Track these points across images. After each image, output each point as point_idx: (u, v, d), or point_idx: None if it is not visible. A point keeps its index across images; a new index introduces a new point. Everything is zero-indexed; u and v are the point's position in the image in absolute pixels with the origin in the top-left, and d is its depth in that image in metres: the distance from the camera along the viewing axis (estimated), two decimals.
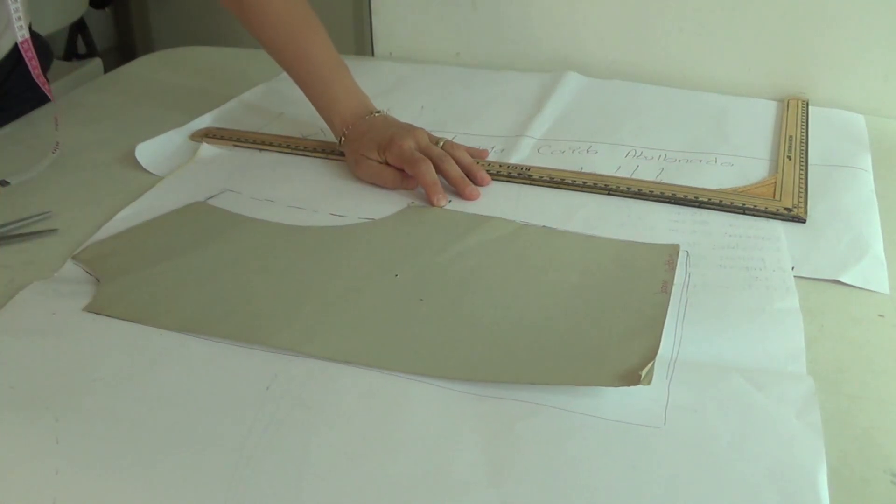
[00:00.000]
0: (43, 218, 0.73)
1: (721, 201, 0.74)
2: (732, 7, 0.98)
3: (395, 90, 1.02)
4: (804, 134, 0.88)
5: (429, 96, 1.00)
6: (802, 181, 0.77)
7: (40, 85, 0.84)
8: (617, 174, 0.80)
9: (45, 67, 1.00)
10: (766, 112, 0.95)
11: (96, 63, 1.76)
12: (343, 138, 0.82)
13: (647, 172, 0.80)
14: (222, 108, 0.96)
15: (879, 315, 0.60)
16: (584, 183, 0.77)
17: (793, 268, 0.65)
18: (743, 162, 0.82)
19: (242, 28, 0.85)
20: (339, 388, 0.53)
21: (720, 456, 0.48)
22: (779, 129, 0.90)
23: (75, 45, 1.96)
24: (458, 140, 0.88)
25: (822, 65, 0.97)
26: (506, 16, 1.09)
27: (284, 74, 1.07)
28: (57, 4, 1.70)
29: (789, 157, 0.82)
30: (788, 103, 0.96)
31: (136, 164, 0.83)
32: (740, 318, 0.59)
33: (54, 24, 1.70)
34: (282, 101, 1.00)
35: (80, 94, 1.05)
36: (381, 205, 0.75)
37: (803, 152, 0.83)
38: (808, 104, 0.95)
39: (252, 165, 0.84)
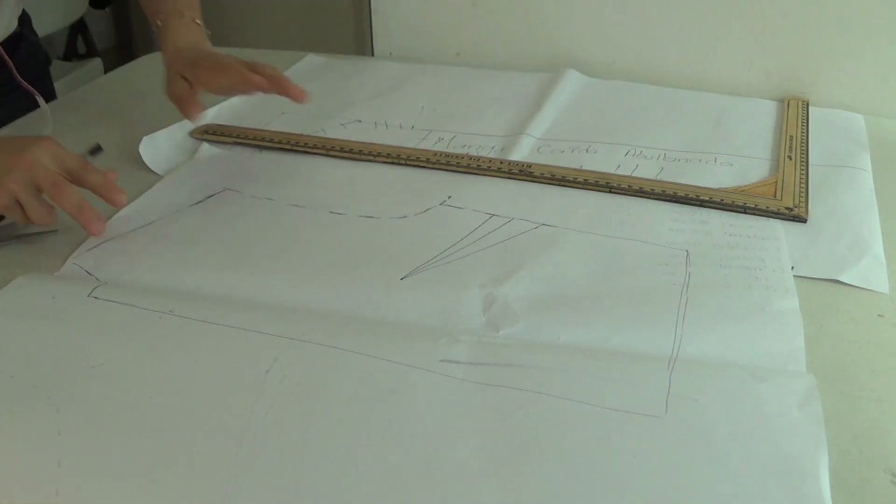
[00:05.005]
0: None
1: (722, 200, 0.74)
2: (732, 7, 0.98)
3: (395, 90, 1.02)
4: (805, 134, 0.88)
5: (429, 96, 1.00)
6: (803, 181, 0.77)
7: (23, 85, 0.84)
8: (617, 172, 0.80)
9: (41, 69, 1.00)
10: (765, 112, 0.94)
11: (96, 63, 1.76)
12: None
13: (646, 172, 0.80)
14: (222, 105, 0.96)
15: (879, 315, 0.60)
16: (586, 181, 0.77)
17: (792, 267, 0.65)
18: (742, 162, 0.82)
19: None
20: (338, 374, 0.53)
21: (721, 445, 0.48)
22: (779, 129, 0.90)
23: (75, 45, 1.96)
24: (459, 140, 0.88)
25: (822, 65, 0.97)
26: (506, 16, 1.09)
27: (286, 74, 1.07)
28: (57, 4, 1.70)
29: (790, 157, 0.82)
30: (789, 103, 0.96)
31: (136, 164, 0.83)
32: (740, 317, 0.59)
33: (54, 24, 1.71)
34: (283, 101, 0.99)
35: (80, 94, 1.05)
36: (382, 204, 0.75)
37: (804, 152, 0.83)
38: (808, 104, 0.95)
39: (253, 164, 0.84)
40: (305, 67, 1.11)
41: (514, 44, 1.10)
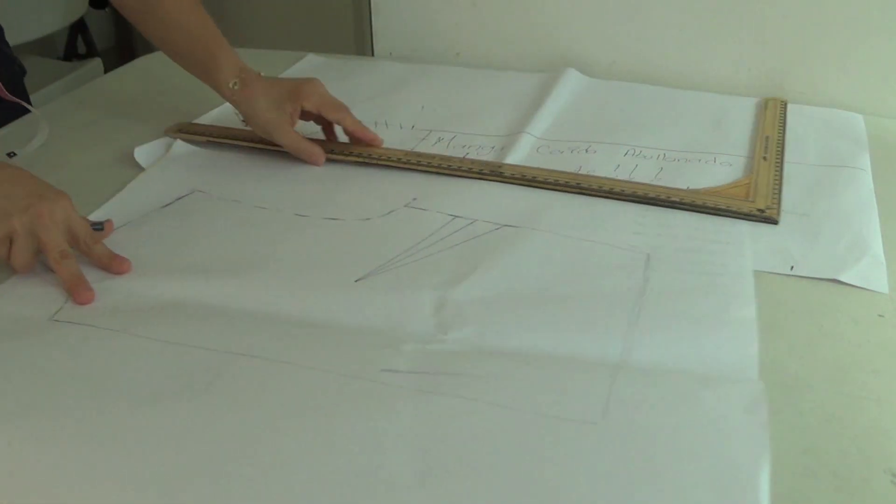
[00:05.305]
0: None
1: (693, 202, 0.73)
2: (732, 7, 0.98)
3: (395, 90, 1.02)
4: (781, 134, 0.87)
5: (429, 96, 1.00)
6: (777, 182, 0.77)
7: (8, 98, 0.84)
8: (594, 173, 0.79)
9: (16, 81, 1.00)
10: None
11: (96, 63, 1.76)
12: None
13: (645, 172, 0.80)
14: (224, 106, 0.96)
15: (879, 315, 0.60)
16: (556, 181, 0.77)
17: (792, 267, 0.65)
18: (742, 162, 0.82)
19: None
20: (279, 388, 0.53)
21: (657, 451, 0.47)
22: (759, 128, 0.89)
23: (75, 45, 1.96)
24: (459, 140, 0.88)
25: (822, 65, 0.97)
26: (506, 16, 1.09)
27: (285, 75, 1.08)
28: (57, 4, 1.70)
29: (765, 158, 0.81)
30: (767, 103, 0.95)
31: (136, 164, 0.83)
32: (694, 325, 0.58)
33: (54, 24, 1.70)
34: None
35: (80, 93, 1.05)
36: (348, 205, 0.74)
37: (779, 153, 0.83)
38: (786, 104, 0.95)
39: (223, 164, 0.83)
40: (305, 67, 1.11)
41: (514, 44, 1.10)
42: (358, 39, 1.42)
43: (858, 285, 0.63)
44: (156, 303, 0.62)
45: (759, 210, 0.72)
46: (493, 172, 0.79)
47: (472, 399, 0.51)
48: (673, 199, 0.73)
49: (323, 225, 0.72)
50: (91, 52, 1.97)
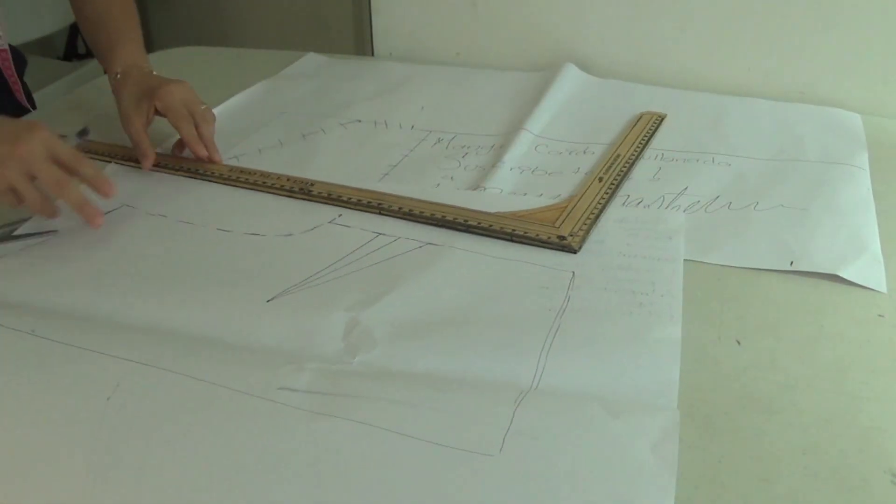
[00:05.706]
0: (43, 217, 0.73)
1: (491, 226, 0.69)
2: (732, 7, 0.98)
3: (395, 90, 1.02)
4: (637, 153, 0.83)
5: (429, 96, 1.00)
6: (599, 207, 0.72)
7: (15, 93, 0.84)
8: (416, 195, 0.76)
9: (19, 74, 1.00)
10: (764, 112, 0.94)
11: (96, 63, 1.76)
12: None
13: (643, 172, 0.80)
14: (222, 106, 0.96)
15: (879, 315, 0.60)
16: (360, 200, 0.74)
17: (791, 262, 0.65)
18: (740, 162, 0.82)
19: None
20: (177, 401, 0.52)
21: (553, 488, 0.45)
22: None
23: (75, 45, 1.96)
24: (458, 140, 0.88)
25: (822, 65, 0.97)
26: (506, 16, 1.09)
27: (284, 73, 1.08)
28: (57, 5, 1.70)
29: (600, 179, 0.77)
30: (641, 117, 0.91)
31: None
32: (613, 346, 0.56)
33: (54, 24, 1.70)
34: (282, 100, 1.00)
35: (80, 94, 1.05)
36: (271, 221, 0.73)
37: (621, 175, 0.78)
38: (662, 119, 0.91)
39: (153, 179, 0.82)
40: (305, 67, 1.11)
41: (514, 44, 1.10)
42: (358, 39, 1.43)
43: (857, 282, 0.63)
44: (69, 309, 0.61)
45: (559, 237, 0.67)
46: (303, 190, 0.76)
47: (366, 423, 0.49)
48: (471, 223, 0.70)
49: (244, 241, 0.70)
50: (91, 53, 1.97)
